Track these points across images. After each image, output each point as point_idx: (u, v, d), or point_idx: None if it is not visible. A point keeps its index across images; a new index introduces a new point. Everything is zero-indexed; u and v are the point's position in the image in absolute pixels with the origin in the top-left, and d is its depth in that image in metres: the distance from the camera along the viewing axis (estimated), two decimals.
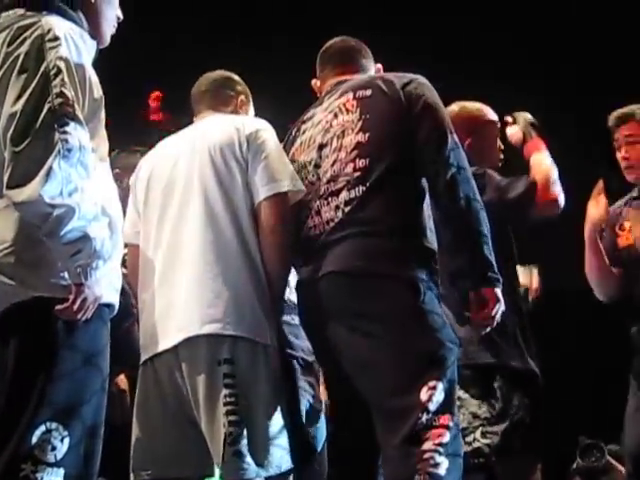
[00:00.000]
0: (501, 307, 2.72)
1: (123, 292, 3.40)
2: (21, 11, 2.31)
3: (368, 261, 2.71)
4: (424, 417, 2.57)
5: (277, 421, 2.74)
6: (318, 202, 2.84)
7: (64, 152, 2.13)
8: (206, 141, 2.94)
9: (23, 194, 2.12)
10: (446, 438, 2.57)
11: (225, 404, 2.67)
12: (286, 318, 3.53)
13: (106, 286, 2.31)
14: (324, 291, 2.76)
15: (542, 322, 3.61)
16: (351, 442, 2.83)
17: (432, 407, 2.58)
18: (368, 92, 2.87)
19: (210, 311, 2.74)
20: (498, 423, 3.47)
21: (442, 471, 2.53)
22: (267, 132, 2.93)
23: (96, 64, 2.41)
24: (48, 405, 2.17)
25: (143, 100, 5.65)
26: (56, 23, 2.26)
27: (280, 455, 2.72)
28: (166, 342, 2.79)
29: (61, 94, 2.17)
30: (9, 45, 2.23)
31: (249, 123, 2.97)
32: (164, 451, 2.80)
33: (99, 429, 2.28)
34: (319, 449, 3.63)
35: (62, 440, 2.17)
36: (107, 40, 2.51)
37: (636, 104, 3.70)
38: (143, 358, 2.88)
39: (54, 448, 2.16)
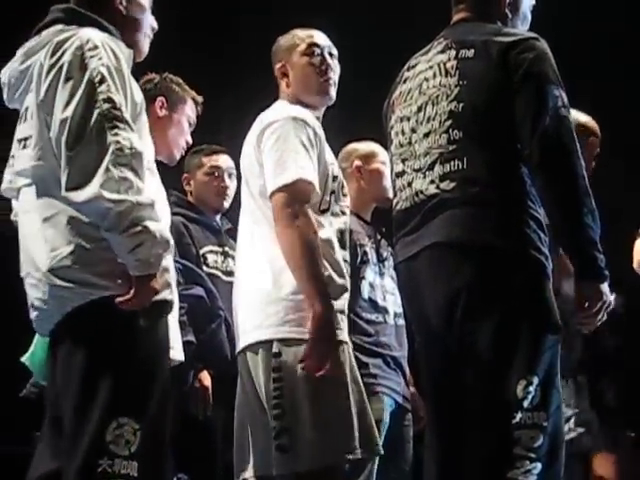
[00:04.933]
0: (605, 305, 2.50)
1: (210, 295, 3.45)
2: (60, 27, 2.42)
3: (470, 232, 2.52)
4: (518, 416, 2.42)
5: (326, 415, 2.65)
6: (411, 175, 2.67)
7: (117, 152, 2.22)
8: (245, 147, 2.92)
9: (83, 194, 2.21)
10: (539, 441, 2.42)
11: (272, 397, 2.66)
12: (370, 317, 3.56)
13: (162, 283, 2.36)
14: (424, 266, 2.59)
15: None
16: (444, 432, 2.65)
17: (526, 404, 2.43)
18: (471, 52, 2.62)
19: (256, 317, 2.74)
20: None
21: (533, 478, 2.40)
22: (275, 124, 2.79)
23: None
24: (118, 401, 2.24)
25: None
26: (92, 34, 2.37)
27: (326, 450, 2.64)
28: (238, 344, 2.84)
29: (108, 99, 2.27)
30: (51, 57, 2.34)
31: (264, 119, 2.84)
32: (253, 450, 2.80)
33: (166, 420, 2.34)
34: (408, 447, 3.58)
35: (135, 434, 2.24)
36: (144, 51, 2.62)
37: None
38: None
39: (128, 442, 2.23)
